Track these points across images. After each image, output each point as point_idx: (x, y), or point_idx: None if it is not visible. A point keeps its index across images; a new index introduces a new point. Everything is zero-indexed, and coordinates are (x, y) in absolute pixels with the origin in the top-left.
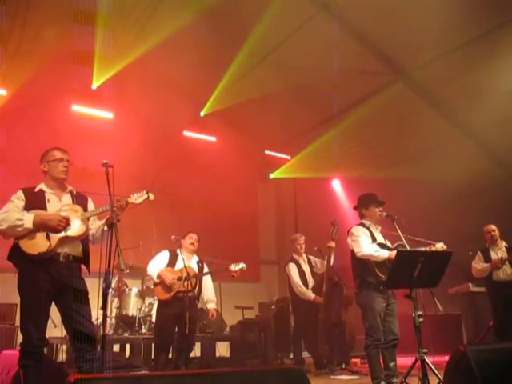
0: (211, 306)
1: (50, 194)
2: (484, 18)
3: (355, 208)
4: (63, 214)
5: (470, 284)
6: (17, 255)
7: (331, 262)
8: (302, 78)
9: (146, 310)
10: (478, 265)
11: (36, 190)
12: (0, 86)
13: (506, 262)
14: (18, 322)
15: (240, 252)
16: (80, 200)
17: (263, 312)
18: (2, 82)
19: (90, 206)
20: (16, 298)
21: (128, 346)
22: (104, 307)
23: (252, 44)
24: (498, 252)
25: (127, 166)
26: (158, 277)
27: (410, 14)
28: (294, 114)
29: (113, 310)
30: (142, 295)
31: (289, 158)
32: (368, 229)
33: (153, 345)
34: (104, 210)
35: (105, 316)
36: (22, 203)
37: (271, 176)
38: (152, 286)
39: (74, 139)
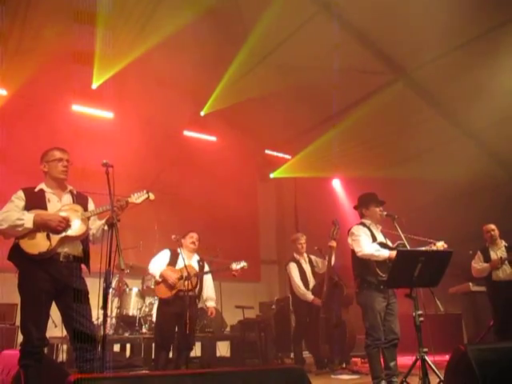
0: (210, 304)
1: (50, 194)
2: (484, 18)
3: (355, 207)
4: (63, 213)
5: (471, 283)
6: (17, 255)
7: (332, 262)
8: (302, 77)
9: (147, 309)
10: (478, 264)
11: (36, 189)
12: (0, 85)
13: (506, 262)
14: (18, 322)
15: (240, 251)
16: (80, 200)
17: (264, 312)
18: (2, 82)
19: (91, 205)
20: (16, 298)
21: (128, 346)
22: (104, 307)
23: (252, 43)
24: (498, 252)
25: (127, 166)
26: (161, 276)
27: (410, 13)
28: (294, 114)
29: (113, 309)
30: (142, 295)
31: (289, 157)
32: (368, 228)
33: (153, 344)
34: (104, 209)
35: (105, 316)
36: (22, 203)
37: (271, 176)
38: (152, 286)
39: (74, 139)
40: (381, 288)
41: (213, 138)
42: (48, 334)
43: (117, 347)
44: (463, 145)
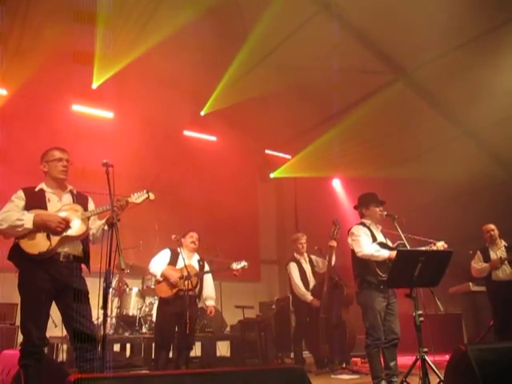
0: (210, 303)
1: (50, 194)
2: (484, 18)
3: (355, 207)
4: (63, 213)
5: (471, 283)
6: (17, 255)
7: (333, 262)
8: (302, 77)
9: (147, 309)
10: (478, 264)
11: (36, 189)
12: (0, 85)
13: (506, 262)
14: (18, 322)
15: (240, 251)
16: (80, 199)
17: (264, 311)
18: (2, 82)
19: (91, 205)
20: (16, 298)
21: (128, 346)
22: (104, 307)
23: (252, 43)
24: (498, 252)
25: (127, 166)
26: (162, 275)
27: (411, 13)
28: (294, 114)
29: (113, 309)
30: (142, 295)
31: (289, 157)
32: (368, 228)
33: (153, 344)
34: (104, 209)
35: (105, 316)
36: (22, 203)
37: (272, 175)
38: (153, 286)
39: (74, 139)
40: (381, 288)
41: (213, 138)
42: (48, 334)
43: (117, 347)
44: (463, 145)
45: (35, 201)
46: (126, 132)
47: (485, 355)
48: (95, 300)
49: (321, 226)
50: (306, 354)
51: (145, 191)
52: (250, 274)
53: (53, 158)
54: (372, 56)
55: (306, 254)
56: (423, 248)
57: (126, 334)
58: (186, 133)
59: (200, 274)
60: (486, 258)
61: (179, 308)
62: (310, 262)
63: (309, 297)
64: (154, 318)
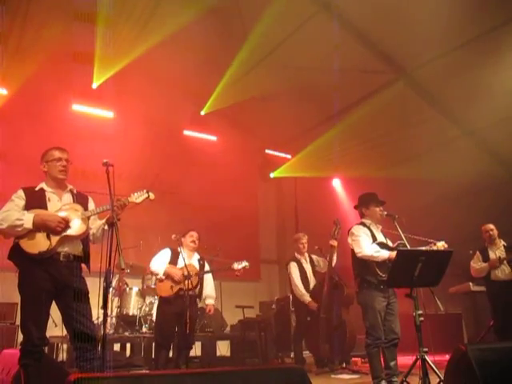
0: (209, 301)
1: (50, 193)
2: (485, 17)
3: (356, 207)
4: (63, 213)
5: (471, 283)
6: (17, 254)
7: (334, 261)
8: (302, 77)
9: (147, 309)
10: (477, 264)
11: (37, 189)
12: (0, 85)
13: (505, 262)
14: (18, 322)
15: (241, 251)
16: (80, 199)
17: (264, 311)
18: (2, 81)
19: (91, 205)
20: (16, 298)
21: (128, 346)
22: (104, 306)
23: (252, 43)
24: (497, 251)
25: (128, 166)
26: (165, 273)
27: (411, 13)
28: (294, 113)
29: (113, 309)
30: (142, 294)
31: (289, 157)
32: (368, 228)
33: (153, 343)
34: (104, 209)
35: (105, 315)
36: (22, 202)
37: (272, 175)
38: (153, 285)
39: (74, 138)
40: (381, 288)
41: (213, 138)
42: (48, 334)
43: (117, 347)
44: (464, 144)
45: (35, 200)
46: (126, 132)
47: (485, 355)
48: (95, 299)
49: (321, 226)
50: (306, 353)
51: (145, 191)
52: (250, 274)
53: (52, 158)
54: (372, 56)
55: (306, 254)
56: (423, 248)
57: (126, 334)
58: (186, 132)
59: (201, 274)
60: (485, 258)
61: (179, 307)
62: (311, 261)
63: (307, 298)
64: (154, 318)
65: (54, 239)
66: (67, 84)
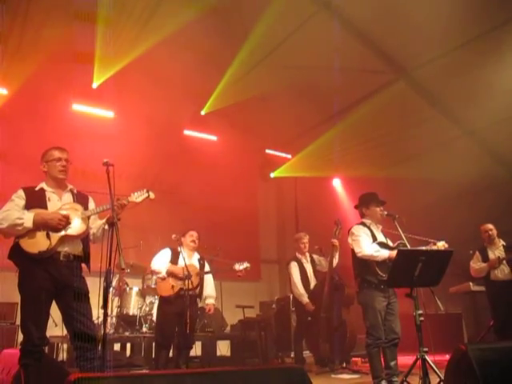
0: (210, 301)
1: (50, 193)
2: (485, 17)
3: (356, 207)
4: (63, 212)
5: (471, 283)
6: (17, 254)
7: (335, 261)
8: (302, 76)
9: (147, 309)
10: (476, 264)
11: (37, 188)
12: (1, 85)
13: (504, 262)
14: (18, 321)
15: (241, 251)
16: (81, 199)
17: (264, 311)
18: (2, 81)
19: (91, 204)
20: (16, 297)
21: (129, 345)
22: (105, 306)
23: (253, 43)
24: (496, 251)
25: (128, 165)
26: (168, 272)
27: (411, 12)
28: (295, 113)
29: (113, 309)
30: (142, 294)
31: (290, 157)
32: (369, 228)
33: (153, 343)
34: (104, 208)
35: (105, 315)
36: (22, 202)
37: (272, 175)
38: (153, 285)
39: (74, 138)
40: (381, 287)
41: (213, 138)
42: (48, 333)
43: (117, 346)
44: (465, 144)
45: (35, 200)
46: (127, 131)
47: (485, 355)
48: (95, 299)
49: (321, 226)
50: (307, 353)
51: (145, 190)
52: (251, 274)
53: (52, 158)
54: (372, 55)
55: (307, 254)
56: (424, 247)
57: (127, 334)
58: (187, 132)
59: (201, 274)
60: (485, 258)
61: (180, 307)
62: (312, 261)
63: (305, 299)
64: (154, 318)
65: (54, 239)
66: (67, 84)
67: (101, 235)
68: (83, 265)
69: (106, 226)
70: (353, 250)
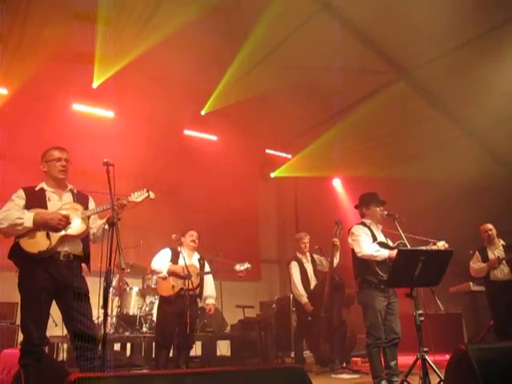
0: (210, 301)
1: (50, 193)
2: (485, 17)
3: (356, 207)
4: (64, 212)
5: (471, 283)
6: (17, 254)
7: (336, 261)
8: (303, 76)
9: (147, 308)
10: (476, 264)
11: (37, 188)
12: (1, 84)
13: (504, 262)
14: (18, 321)
15: (241, 251)
16: (81, 199)
17: (264, 311)
18: (2, 81)
19: (91, 204)
20: (17, 297)
21: (129, 345)
22: (105, 306)
23: (253, 42)
24: (496, 251)
25: (128, 165)
26: (169, 271)
27: (412, 12)
28: (295, 113)
29: (114, 308)
30: (142, 294)
31: (290, 157)
32: (369, 228)
33: (154, 343)
34: (104, 208)
35: (106, 315)
36: (22, 202)
37: (272, 175)
38: (153, 285)
39: (74, 138)
40: (381, 287)
41: (213, 137)
42: (48, 333)
43: (117, 346)
44: (465, 144)
45: (35, 200)
46: (127, 131)
47: (485, 355)
48: (95, 299)
49: (321, 226)
50: (307, 353)
51: (145, 190)
52: (251, 274)
53: (52, 158)
54: (373, 55)
55: (308, 254)
56: (424, 247)
57: (127, 334)
58: (187, 132)
59: (202, 275)
60: (485, 258)
61: (180, 307)
62: (313, 261)
63: (304, 299)
64: (154, 318)
65: (54, 239)
66: (67, 83)
67: (101, 235)
68: (83, 265)
69: (106, 226)
70: (353, 250)
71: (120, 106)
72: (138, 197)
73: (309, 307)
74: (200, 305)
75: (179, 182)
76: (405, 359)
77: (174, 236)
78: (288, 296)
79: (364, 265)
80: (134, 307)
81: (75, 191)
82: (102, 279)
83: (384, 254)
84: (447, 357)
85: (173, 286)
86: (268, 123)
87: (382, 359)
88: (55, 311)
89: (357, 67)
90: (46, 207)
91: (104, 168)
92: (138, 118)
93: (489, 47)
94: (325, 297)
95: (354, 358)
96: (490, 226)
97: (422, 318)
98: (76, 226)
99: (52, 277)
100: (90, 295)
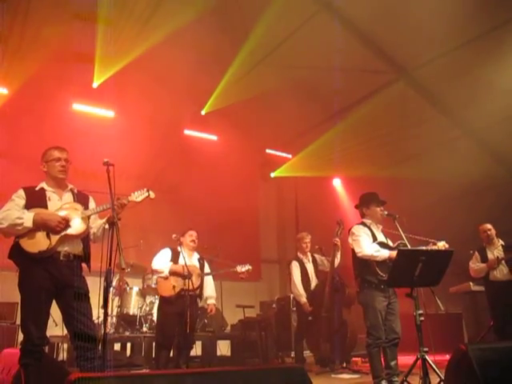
0: (210, 301)
1: (50, 193)
2: (486, 17)
3: (356, 207)
4: (63, 212)
5: (471, 283)
6: (17, 254)
7: (337, 261)
8: (303, 76)
9: (147, 308)
10: (475, 265)
11: (37, 188)
12: (1, 84)
13: (503, 262)
14: (18, 321)
15: (241, 251)
16: (81, 198)
17: (264, 311)
18: (2, 81)
19: (92, 204)
20: (17, 297)
21: (129, 345)
22: (105, 306)
23: (253, 42)
24: (495, 251)
25: (128, 165)
26: (171, 271)
27: (412, 12)
28: (295, 113)
29: (114, 308)
30: (142, 294)
31: (290, 156)
32: (369, 228)
33: (154, 343)
34: (105, 208)
35: (106, 315)
36: (22, 202)
37: (272, 175)
38: (153, 285)
39: (74, 138)
40: (381, 287)
41: (213, 137)
42: (48, 333)
43: (117, 346)
44: (465, 144)
45: (35, 200)
46: (127, 131)
47: (486, 355)
48: (96, 299)
49: (321, 226)
50: (307, 353)
51: (145, 190)
52: (251, 274)
53: (51, 158)
54: (373, 55)
55: (309, 254)
56: (424, 247)
57: (127, 333)
58: (187, 132)
59: (203, 275)
60: (484, 258)
61: (180, 307)
62: (314, 261)
63: (303, 299)
64: (154, 317)
65: (54, 238)
66: (68, 83)
67: (101, 235)
68: (83, 264)
69: (107, 226)
70: (353, 250)
71: (120, 106)
72: (138, 196)
73: (307, 307)
74: (200, 305)
75: (179, 181)
76: (405, 359)
77: (174, 236)
78: (288, 296)
79: (364, 265)
80: (134, 307)
81: (75, 191)
82: (102, 279)
83: (384, 254)
84: (447, 357)
85: (174, 286)
86: (268, 123)
87: (382, 359)
88: (55, 311)
89: (357, 67)
90: (46, 207)
91: (104, 168)
92: (139, 118)
93: (489, 47)
94: (325, 297)
95: (354, 358)
96: (488, 226)
97: (422, 318)
98: (76, 226)
99: (52, 276)
100: (91, 295)
